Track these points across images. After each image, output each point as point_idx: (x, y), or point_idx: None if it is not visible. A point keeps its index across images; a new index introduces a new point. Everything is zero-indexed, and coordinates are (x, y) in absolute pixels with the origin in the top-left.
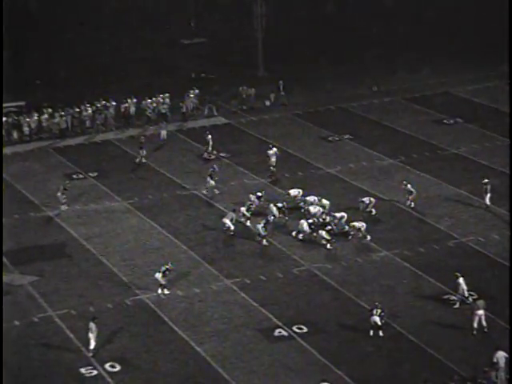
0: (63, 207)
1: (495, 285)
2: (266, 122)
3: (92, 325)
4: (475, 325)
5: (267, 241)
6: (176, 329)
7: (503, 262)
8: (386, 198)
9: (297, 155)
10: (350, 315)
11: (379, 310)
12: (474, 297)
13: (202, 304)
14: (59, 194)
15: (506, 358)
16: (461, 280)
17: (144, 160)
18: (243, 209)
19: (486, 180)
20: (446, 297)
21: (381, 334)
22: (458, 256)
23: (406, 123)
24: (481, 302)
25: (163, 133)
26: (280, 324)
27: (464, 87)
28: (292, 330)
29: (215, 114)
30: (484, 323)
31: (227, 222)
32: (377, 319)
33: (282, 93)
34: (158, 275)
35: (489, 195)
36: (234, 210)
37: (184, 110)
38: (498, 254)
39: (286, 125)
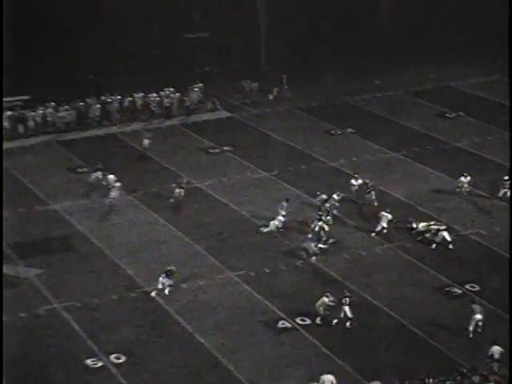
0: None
1: (497, 277)
2: (269, 116)
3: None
4: (471, 328)
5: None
6: (180, 321)
7: (505, 255)
8: (388, 191)
9: (300, 148)
10: (352, 307)
11: (348, 299)
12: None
13: (206, 296)
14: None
15: (502, 353)
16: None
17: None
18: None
19: (506, 177)
20: (447, 289)
21: (348, 325)
22: (460, 248)
23: (409, 117)
24: (476, 307)
25: (146, 142)
26: (284, 316)
27: (466, 81)
28: (295, 321)
29: (219, 108)
30: (479, 329)
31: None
32: (346, 309)
33: (286, 87)
34: (162, 279)
35: (505, 191)
36: (287, 200)
37: (188, 103)
38: (500, 246)
39: (288, 119)
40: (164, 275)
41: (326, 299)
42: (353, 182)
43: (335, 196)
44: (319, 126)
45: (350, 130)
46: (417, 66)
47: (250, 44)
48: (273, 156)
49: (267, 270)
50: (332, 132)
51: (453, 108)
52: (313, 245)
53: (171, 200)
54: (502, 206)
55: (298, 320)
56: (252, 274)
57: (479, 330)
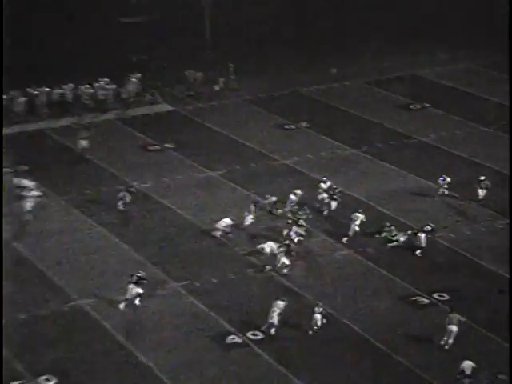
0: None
1: (467, 285)
2: (215, 109)
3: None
4: (449, 340)
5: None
6: (119, 338)
7: (476, 260)
8: (347, 191)
9: (249, 145)
10: (309, 320)
11: (321, 309)
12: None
13: (147, 310)
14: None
15: (473, 368)
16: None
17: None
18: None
19: (483, 178)
20: (414, 298)
21: (310, 332)
22: (427, 253)
23: (369, 109)
24: (454, 317)
25: (83, 143)
26: (233, 330)
27: (432, 69)
28: (246, 336)
29: (159, 100)
30: (451, 340)
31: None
32: (318, 317)
33: (233, 77)
34: (132, 286)
35: (483, 190)
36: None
37: (125, 96)
38: (470, 251)
39: (237, 112)
40: (133, 283)
41: (280, 303)
42: (322, 186)
43: (292, 196)
44: (271, 119)
45: (304, 124)
46: (378, 53)
47: (194, 29)
48: (220, 154)
49: (215, 280)
50: (285, 126)
51: (418, 99)
52: (283, 258)
53: (120, 207)
54: (472, 206)
55: (249, 335)
56: (198, 284)
57: (450, 342)
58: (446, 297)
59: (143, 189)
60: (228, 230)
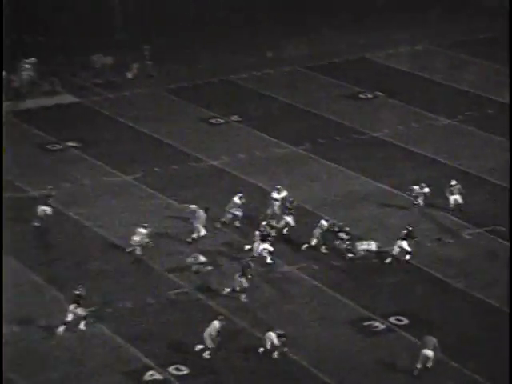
0: None
1: (428, 306)
2: (127, 100)
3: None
4: (419, 365)
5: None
6: (12, 377)
7: (438, 276)
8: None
9: (170, 143)
10: (242, 350)
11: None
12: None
13: (47, 341)
14: None
15: None
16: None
17: None
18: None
19: (454, 182)
20: (367, 323)
21: (275, 355)
22: (381, 270)
23: (312, 99)
24: (429, 340)
25: None
26: (152, 365)
27: (385, 51)
28: (169, 371)
29: (59, 90)
30: (429, 364)
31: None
32: (273, 336)
33: (149, 61)
34: (73, 307)
35: (455, 197)
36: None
37: (17, 85)
38: (433, 266)
39: (154, 103)
40: (74, 303)
41: (217, 324)
42: (274, 195)
43: (236, 199)
44: (195, 112)
45: (235, 117)
46: (321, 33)
47: (101, 5)
48: (134, 154)
49: (129, 305)
50: (212, 121)
51: (369, 87)
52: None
53: (36, 223)
54: (429, 213)
55: (171, 370)
56: (109, 310)
57: (420, 366)
58: (405, 321)
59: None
60: (144, 242)
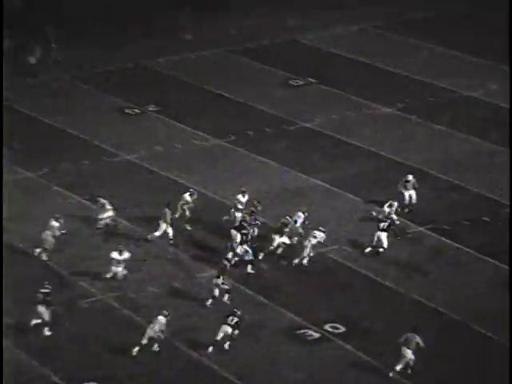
0: None
1: (369, 312)
2: (31, 89)
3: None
4: (398, 368)
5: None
6: None
7: (380, 281)
8: (208, 193)
9: (80, 136)
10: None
11: (236, 319)
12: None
13: None
14: None
15: None
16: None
17: None
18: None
19: (410, 177)
20: (301, 331)
21: (226, 346)
22: (315, 273)
23: (237, 86)
24: (413, 339)
25: None
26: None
27: (317, 33)
28: None
29: None
30: (399, 367)
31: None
32: (228, 329)
33: (53, 44)
34: (42, 308)
35: (410, 192)
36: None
37: None
38: (371, 268)
39: (61, 92)
40: (40, 303)
41: (162, 319)
42: (239, 198)
43: (187, 196)
44: (107, 102)
45: (151, 106)
46: (245, 12)
47: None
48: (40, 148)
49: (35, 321)
50: (126, 110)
51: (300, 72)
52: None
53: None
54: (372, 209)
55: None
56: (9, 320)
57: (397, 369)
58: (342, 329)
59: None
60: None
